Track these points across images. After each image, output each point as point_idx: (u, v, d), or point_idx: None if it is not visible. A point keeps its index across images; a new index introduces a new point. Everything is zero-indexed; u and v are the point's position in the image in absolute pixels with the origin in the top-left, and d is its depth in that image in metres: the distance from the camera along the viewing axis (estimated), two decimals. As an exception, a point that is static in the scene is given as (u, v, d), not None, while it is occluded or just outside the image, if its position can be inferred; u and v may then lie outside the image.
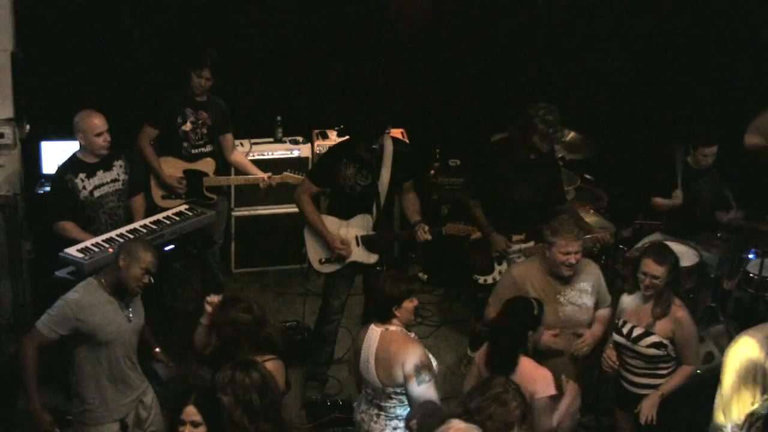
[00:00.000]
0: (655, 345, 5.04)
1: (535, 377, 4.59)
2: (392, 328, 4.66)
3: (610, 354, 5.21)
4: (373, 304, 4.78)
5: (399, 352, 4.56)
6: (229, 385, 3.94)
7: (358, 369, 4.76)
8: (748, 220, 6.46)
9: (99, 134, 5.72)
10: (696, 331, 5.16)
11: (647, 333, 5.06)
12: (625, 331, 5.14)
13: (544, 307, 4.79)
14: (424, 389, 4.47)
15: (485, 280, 6.18)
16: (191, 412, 3.92)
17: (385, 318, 4.69)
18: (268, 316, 4.65)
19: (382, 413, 4.71)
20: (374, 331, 4.69)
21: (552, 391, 4.58)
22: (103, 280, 4.77)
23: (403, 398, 4.62)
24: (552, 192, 6.12)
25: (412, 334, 4.77)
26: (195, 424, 3.93)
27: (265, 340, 4.45)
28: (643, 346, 5.07)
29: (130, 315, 4.83)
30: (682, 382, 5.08)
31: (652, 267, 4.98)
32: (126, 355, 4.87)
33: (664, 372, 5.09)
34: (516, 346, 4.69)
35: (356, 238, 5.98)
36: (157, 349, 5.14)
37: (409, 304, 4.69)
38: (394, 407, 4.67)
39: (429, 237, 5.93)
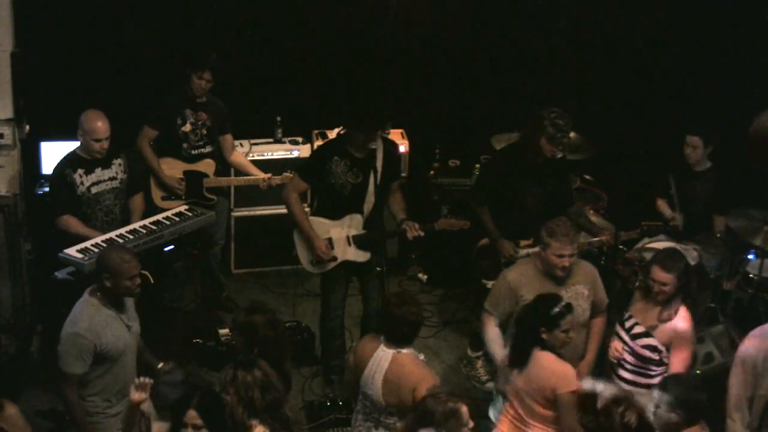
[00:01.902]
0: (650, 347, 5.05)
1: (553, 372, 4.61)
2: (404, 351, 4.66)
3: (615, 345, 5.22)
4: (396, 331, 4.67)
5: (411, 378, 4.56)
6: (232, 384, 3.97)
7: (359, 382, 4.75)
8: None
9: (98, 140, 5.74)
10: (693, 349, 5.12)
11: (646, 334, 5.07)
12: (627, 325, 5.16)
13: (567, 311, 4.70)
14: None
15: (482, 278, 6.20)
16: (193, 415, 3.96)
17: (408, 342, 4.68)
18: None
19: (381, 427, 4.71)
20: (385, 353, 4.66)
21: (573, 386, 4.57)
22: (99, 295, 4.72)
23: (404, 415, 4.58)
24: (561, 195, 6.12)
25: (421, 356, 4.76)
26: (197, 428, 3.96)
27: (274, 358, 4.41)
28: (638, 345, 5.08)
29: (129, 323, 4.82)
30: None
31: (659, 274, 4.98)
32: (131, 364, 4.87)
33: (654, 374, 5.08)
34: (526, 340, 4.72)
35: (347, 237, 5.98)
36: (161, 365, 4.98)
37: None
38: (394, 423, 4.66)
39: (420, 233, 5.91)
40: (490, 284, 6.16)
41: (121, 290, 4.71)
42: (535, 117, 5.87)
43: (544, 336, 4.66)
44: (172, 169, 6.57)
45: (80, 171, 5.81)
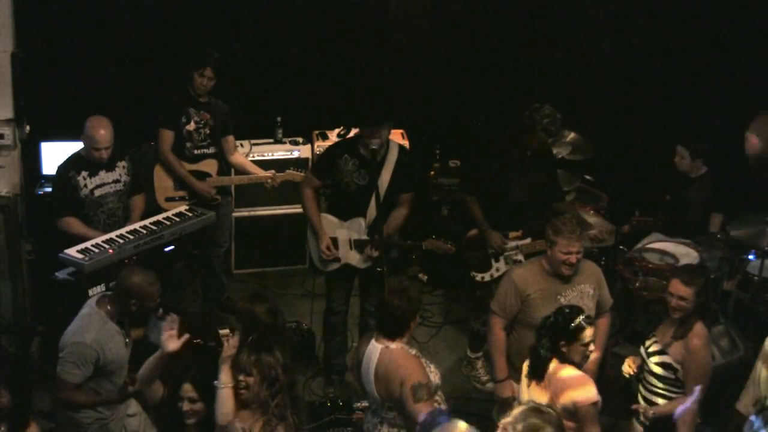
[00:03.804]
0: (664, 365, 4.97)
1: (573, 384, 4.54)
2: (393, 345, 4.60)
3: (630, 361, 5.18)
4: (384, 321, 4.66)
5: (398, 373, 4.51)
6: (255, 365, 4.09)
7: (360, 379, 4.78)
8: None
9: (97, 149, 5.74)
10: (708, 365, 5.00)
11: (661, 351, 5.00)
12: (647, 343, 5.11)
13: (588, 325, 4.63)
14: (421, 407, 4.39)
15: (482, 278, 6.21)
16: (188, 389, 4.13)
17: (396, 335, 4.62)
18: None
19: (385, 424, 4.70)
20: (375, 347, 4.64)
21: (593, 398, 4.52)
22: (110, 309, 4.74)
23: (402, 409, 4.57)
24: (549, 189, 6.15)
25: (413, 351, 4.69)
26: (192, 401, 4.13)
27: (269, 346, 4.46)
28: (653, 363, 5.02)
29: (127, 341, 4.84)
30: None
31: (679, 288, 4.88)
32: (123, 379, 4.87)
33: (674, 396, 4.98)
34: (546, 352, 4.65)
35: (350, 241, 5.98)
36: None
37: (416, 319, 4.73)
38: (395, 417, 4.66)
39: (373, 254, 5.86)
40: (479, 276, 6.18)
41: (144, 311, 4.75)
42: (527, 118, 5.91)
43: (563, 349, 4.60)
44: None
45: (84, 173, 5.80)
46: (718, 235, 6.39)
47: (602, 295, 5.32)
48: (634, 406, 5.06)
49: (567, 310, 4.69)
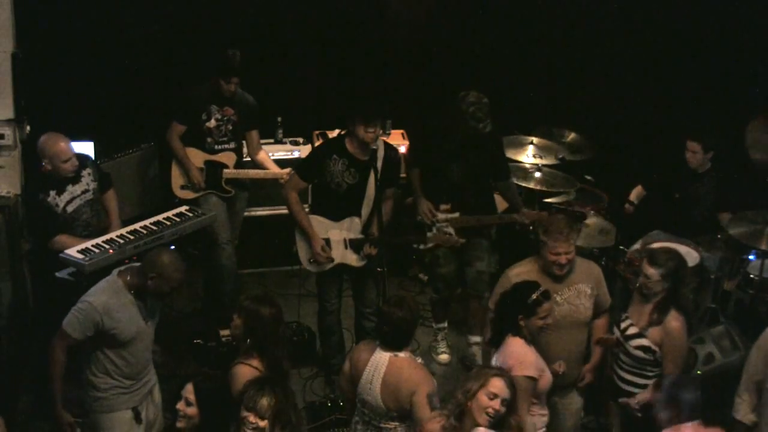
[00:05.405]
0: (643, 348, 5.06)
1: (513, 355, 4.66)
2: (401, 354, 4.65)
3: (611, 338, 5.27)
4: (389, 334, 4.66)
5: (410, 382, 4.55)
6: (271, 410, 4.02)
7: (356, 388, 4.73)
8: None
9: (66, 160, 5.67)
10: (686, 347, 5.15)
11: (639, 335, 5.08)
12: (622, 325, 5.18)
13: (544, 299, 4.75)
14: (434, 416, 4.42)
15: (418, 245, 6.33)
16: (189, 389, 4.09)
17: (402, 345, 4.66)
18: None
19: None
20: (382, 356, 4.65)
21: (527, 372, 4.62)
22: (129, 280, 4.79)
23: (405, 419, 4.60)
24: (485, 169, 6.23)
25: (419, 359, 4.77)
26: (188, 403, 4.09)
27: (270, 355, 4.47)
28: (632, 347, 5.10)
29: (146, 314, 4.88)
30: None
31: (645, 266, 5.04)
32: (145, 352, 4.93)
33: (651, 374, 5.10)
34: (502, 325, 4.79)
35: (345, 240, 5.97)
36: None
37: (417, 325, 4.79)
38: (395, 428, 4.66)
39: (373, 252, 5.94)
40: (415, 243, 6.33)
41: (157, 292, 4.81)
42: (454, 108, 5.98)
43: (521, 323, 4.72)
44: (194, 158, 6.62)
45: (52, 193, 5.72)
46: (719, 235, 6.39)
47: (600, 295, 5.33)
48: (621, 400, 5.17)
49: (525, 285, 4.82)
